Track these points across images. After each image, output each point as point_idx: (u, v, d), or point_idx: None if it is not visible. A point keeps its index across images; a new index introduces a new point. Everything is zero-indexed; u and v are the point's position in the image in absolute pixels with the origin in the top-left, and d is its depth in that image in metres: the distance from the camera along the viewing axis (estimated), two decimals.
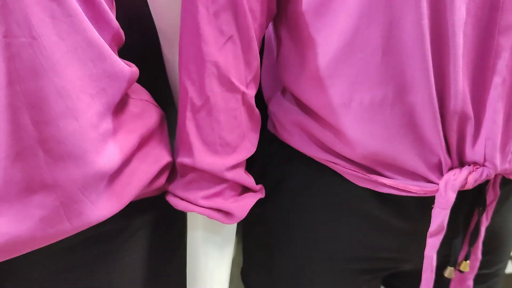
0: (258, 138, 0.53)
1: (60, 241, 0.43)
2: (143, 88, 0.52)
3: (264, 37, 0.59)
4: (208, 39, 0.45)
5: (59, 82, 0.37)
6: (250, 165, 0.59)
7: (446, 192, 0.49)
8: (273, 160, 0.59)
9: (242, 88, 0.48)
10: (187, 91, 0.48)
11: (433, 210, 0.50)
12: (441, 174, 0.50)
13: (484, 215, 0.54)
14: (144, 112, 0.49)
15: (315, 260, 0.58)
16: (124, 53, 0.50)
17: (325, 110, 0.49)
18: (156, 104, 0.53)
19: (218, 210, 0.50)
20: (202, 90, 0.47)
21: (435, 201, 0.50)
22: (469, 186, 0.49)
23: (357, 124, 0.48)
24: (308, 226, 0.57)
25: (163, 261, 0.54)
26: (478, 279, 0.59)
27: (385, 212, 0.53)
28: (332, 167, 0.53)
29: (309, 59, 0.49)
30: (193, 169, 0.49)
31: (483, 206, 0.53)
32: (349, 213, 0.55)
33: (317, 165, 0.54)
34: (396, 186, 0.50)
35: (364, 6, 0.43)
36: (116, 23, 0.44)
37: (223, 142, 0.48)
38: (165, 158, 0.50)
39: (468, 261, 0.57)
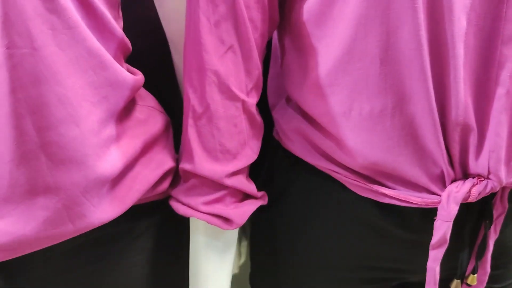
0: (260, 145, 0.53)
1: (65, 241, 0.45)
2: (150, 95, 0.54)
3: (271, 45, 0.59)
4: (209, 48, 0.46)
5: (60, 90, 0.39)
6: (257, 171, 0.60)
7: (448, 204, 0.48)
8: (278, 167, 0.60)
9: (242, 96, 0.49)
10: (189, 98, 0.49)
11: (435, 222, 0.49)
12: (443, 185, 0.49)
13: (492, 228, 0.53)
14: (149, 118, 0.51)
15: (319, 268, 0.58)
16: (136, 59, 0.52)
17: (326, 119, 0.49)
18: (162, 110, 0.54)
19: (218, 216, 0.51)
20: (203, 98, 0.48)
21: (437, 213, 0.49)
22: (473, 199, 0.48)
23: (357, 134, 0.48)
24: (312, 234, 0.57)
25: (167, 264, 0.56)
26: None
27: (388, 222, 0.53)
28: (333, 176, 0.53)
29: (310, 68, 0.49)
30: (194, 175, 0.50)
31: (489, 219, 0.52)
32: (352, 222, 0.55)
33: (319, 173, 0.54)
34: (397, 197, 0.50)
35: (361, 16, 0.43)
36: (120, 33, 0.46)
37: (223, 149, 0.49)
38: (168, 164, 0.51)
39: (475, 275, 0.55)
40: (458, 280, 0.56)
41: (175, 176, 0.53)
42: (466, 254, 0.54)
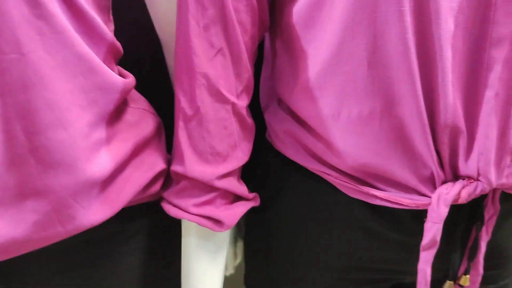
0: (252, 147, 0.54)
1: (56, 243, 0.46)
2: (142, 97, 0.54)
3: (263, 48, 0.60)
4: (198, 51, 0.47)
5: (47, 94, 0.39)
6: (251, 173, 0.60)
7: (438, 206, 0.48)
8: (271, 169, 0.60)
9: (232, 98, 0.49)
10: (180, 101, 0.49)
11: (425, 224, 0.49)
12: (434, 187, 0.49)
13: (484, 230, 0.53)
14: (141, 120, 0.51)
15: (312, 269, 0.59)
16: (130, 62, 0.53)
17: (316, 121, 0.49)
18: (154, 112, 0.54)
19: (209, 218, 0.51)
20: (193, 100, 0.48)
21: (427, 215, 0.49)
22: (463, 200, 0.48)
23: (346, 136, 0.48)
24: (305, 235, 0.57)
25: (159, 265, 0.56)
26: None
27: (380, 224, 0.53)
28: (325, 178, 0.53)
29: (300, 71, 0.49)
30: (184, 177, 0.50)
31: (480, 220, 0.52)
32: (344, 224, 0.55)
33: (311, 175, 0.54)
34: (387, 199, 0.50)
35: (348, 19, 0.43)
36: (110, 36, 0.46)
37: (213, 151, 0.49)
38: (160, 166, 0.52)
39: (468, 276, 0.55)
40: (450, 282, 0.56)
41: (167, 178, 0.54)
42: (458, 255, 0.54)
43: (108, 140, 0.46)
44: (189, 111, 0.49)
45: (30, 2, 0.37)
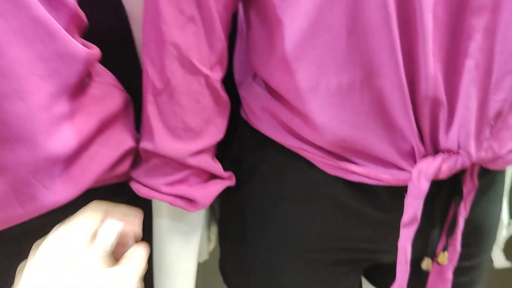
0: (227, 123, 0.51)
1: (16, 226, 0.42)
2: (108, 71, 0.51)
3: (237, 20, 0.57)
4: (168, 19, 0.44)
5: (2, 62, 0.36)
6: (226, 150, 0.58)
7: (419, 180, 0.47)
8: (246, 147, 0.58)
9: (205, 70, 0.46)
10: (148, 73, 0.46)
11: (405, 200, 0.48)
12: (414, 161, 0.48)
13: (462, 206, 0.52)
14: (107, 95, 0.48)
15: (289, 250, 0.57)
16: (97, 37, 0.49)
17: (293, 95, 0.47)
18: (121, 87, 0.51)
19: (181, 197, 0.48)
20: (162, 72, 0.45)
21: (408, 190, 0.48)
22: (443, 175, 0.47)
23: (324, 110, 0.46)
24: (281, 215, 0.56)
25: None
26: (458, 272, 0.57)
27: (358, 201, 0.52)
28: (302, 154, 0.51)
29: (276, 42, 0.47)
30: (155, 154, 0.48)
31: (459, 196, 0.51)
32: (321, 202, 0.53)
33: (288, 152, 0.52)
34: (366, 175, 0.48)
35: None
36: (72, 3, 0.42)
37: (186, 126, 0.47)
38: (128, 143, 0.49)
39: (446, 253, 0.55)
40: (429, 259, 0.55)
41: (136, 157, 0.51)
42: (437, 232, 0.54)
43: (71, 114, 0.43)
44: (158, 84, 0.46)
45: None
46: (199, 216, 0.53)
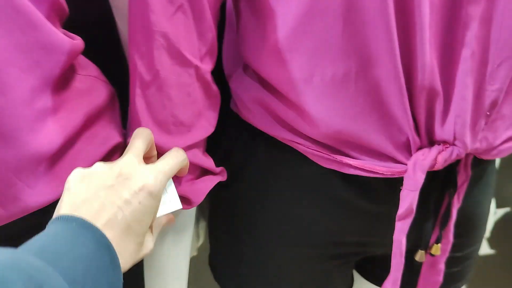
0: (217, 117, 0.50)
1: None
2: (92, 64, 0.49)
3: (225, 10, 0.55)
4: (156, 8, 0.41)
5: None
6: (216, 146, 0.56)
7: (414, 172, 0.46)
8: (237, 141, 0.56)
9: (195, 61, 0.44)
10: (136, 65, 0.44)
11: (401, 192, 0.48)
12: (409, 154, 0.47)
13: (456, 197, 0.52)
14: (92, 89, 0.46)
15: (281, 245, 0.56)
16: (79, 30, 0.47)
17: (286, 86, 0.46)
18: (106, 80, 0.49)
19: None
20: (151, 64, 0.43)
21: (404, 182, 0.47)
22: (439, 166, 0.47)
23: (319, 101, 0.45)
24: (273, 210, 0.54)
25: None
26: (450, 262, 0.57)
27: (353, 194, 0.51)
28: (295, 148, 0.50)
29: (269, 31, 0.45)
30: None
31: (454, 187, 0.51)
32: (315, 196, 0.52)
33: (280, 146, 0.51)
34: (362, 167, 0.47)
35: None
36: None
37: (176, 120, 0.45)
38: (115, 139, 0.46)
39: (439, 244, 0.55)
40: (422, 251, 0.55)
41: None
42: (431, 224, 0.53)
43: (55, 109, 0.40)
44: (147, 76, 0.44)
45: None
46: (191, 214, 0.51)
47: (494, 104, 0.45)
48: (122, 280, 0.34)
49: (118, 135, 0.47)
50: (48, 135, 0.39)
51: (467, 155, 0.49)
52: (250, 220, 0.56)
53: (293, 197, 0.53)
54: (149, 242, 0.40)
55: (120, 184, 0.37)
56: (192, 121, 0.46)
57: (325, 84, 0.44)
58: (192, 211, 0.52)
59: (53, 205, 0.41)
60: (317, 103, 0.45)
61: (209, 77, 0.46)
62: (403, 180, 0.48)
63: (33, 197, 0.39)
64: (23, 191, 0.39)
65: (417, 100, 0.44)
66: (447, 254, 0.56)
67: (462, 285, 0.65)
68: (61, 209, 0.35)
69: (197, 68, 0.44)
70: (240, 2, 0.49)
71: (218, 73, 0.54)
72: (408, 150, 0.47)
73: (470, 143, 0.46)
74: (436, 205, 0.53)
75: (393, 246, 0.50)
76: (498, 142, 0.49)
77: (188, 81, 0.44)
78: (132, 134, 0.47)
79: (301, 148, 0.49)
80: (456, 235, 0.55)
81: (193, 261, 0.73)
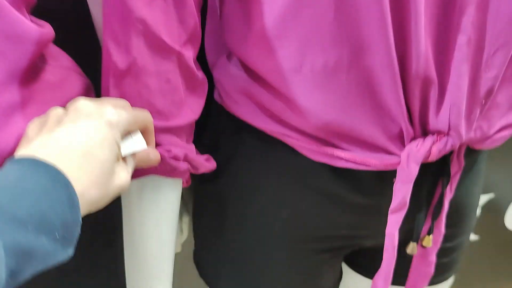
0: (203, 104, 0.47)
1: None
2: (65, 53, 0.45)
3: None
4: None
5: None
6: (198, 138, 0.53)
7: (408, 164, 0.45)
8: (221, 134, 0.54)
9: (177, 47, 0.41)
10: (111, 54, 0.41)
11: (394, 185, 0.46)
12: (402, 145, 0.45)
13: (448, 188, 0.51)
14: (65, 81, 0.42)
15: (269, 241, 0.54)
16: (51, 17, 0.43)
17: (274, 76, 0.43)
18: (80, 72, 0.45)
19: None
20: (128, 52, 0.40)
21: (397, 174, 0.46)
22: (433, 157, 0.45)
23: (309, 92, 0.43)
24: (260, 204, 0.52)
25: (101, 243, 0.49)
26: (441, 253, 0.56)
27: (343, 188, 0.49)
28: (284, 140, 0.48)
29: (255, 17, 0.42)
30: None
31: (447, 178, 0.49)
32: (304, 190, 0.50)
33: (268, 138, 0.49)
34: (353, 160, 0.45)
35: None
36: None
37: (153, 109, 0.42)
38: None
39: (431, 236, 0.53)
40: (414, 243, 0.53)
41: None
42: (423, 215, 0.52)
43: (23, 104, 0.37)
44: (122, 65, 0.41)
45: None
46: (172, 203, 0.49)
47: (489, 93, 0.44)
48: (80, 222, 0.30)
49: None
50: (17, 133, 0.36)
51: (460, 145, 0.48)
52: (237, 214, 0.54)
53: (282, 191, 0.51)
54: (123, 173, 0.36)
55: (75, 115, 0.34)
56: (170, 109, 0.43)
57: (316, 74, 0.42)
58: (175, 201, 0.49)
59: None
60: (307, 94, 0.43)
61: (192, 63, 0.44)
62: (395, 172, 0.46)
63: None
64: None
65: (411, 89, 0.42)
66: (438, 246, 0.55)
67: (450, 275, 0.64)
68: (15, 153, 0.32)
69: (179, 54, 0.42)
70: None
71: (201, 62, 0.51)
72: (401, 141, 0.45)
73: (465, 133, 0.45)
74: (428, 196, 0.52)
75: (385, 240, 0.49)
76: (492, 131, 0.48)
77: (169, 67, 0.41)
78: None
79: (290, 141, 0.47)
80: (447, 226, 0.54)
81: (177, 257, 0.71)
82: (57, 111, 0.35)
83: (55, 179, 0.29)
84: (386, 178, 0.47)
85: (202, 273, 0.63)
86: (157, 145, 0.44)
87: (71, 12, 0.54)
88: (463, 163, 0.50)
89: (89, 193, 0.32)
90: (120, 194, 0.38)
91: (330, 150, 0.46)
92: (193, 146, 0.48)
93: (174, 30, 0.41)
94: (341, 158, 0.46)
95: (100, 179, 0.33)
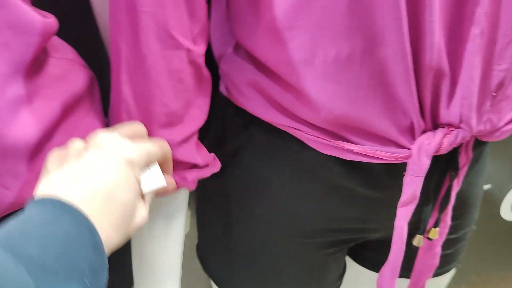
0: (209, 102, 0.46)
1: None
2: (68, 45, 0.44)
3: None
4: None
5: None
6: (204, 133, 0.52)
7: (419, 157, 0.44)
8: (228, 128, 0.53)
9: (187, 44, 0.40)
10: (120, 49, 0.40)
11: (404, 178, 0.45)
12: (413, 138, 0.45)
13: (455, 180, 0.51)
14: (69, 74, 0.41)
15: (276, 235, 0.53)
16: (52, 5, 0.41)
17: (284, 68, 0.43)
18: (84, 64, 0.44)
19: None
20: (137, 49, 0.39)
21: (407, 168, 0.45)
22: (444, 150, 0.45)
23: (320, 84, 0.42)
24: (268, 199, 0.52)
25: None
26: (445, 245, 0.56)
27: (352, 181, 0.49)
28: (293, 134, 0.47)
29: (265, 7, 0.41)
30: None
31: (455, 170, 0.49)
32: (313, 183, 0.50)
33: (277, 132, 0.48)
34: (364, 153, 0.45)
35: None
36: None
37: (167, 110, 0.41)
38: (97, 129, 0.42)
39: (437, 228, 0.53)
40: (420, 236, 0.53)
41: None
42: (430, 208, 0.52)
43: (28, 98, 0.36)
44: (133, 61, 0.39)
45: None
46: (181, 201, 0.48)
47: (501, 85, 0.43)
48: (107, 265, 0.30)
49: (99, 124, 0.43)
50: (23, 127, 0.35)
51: (470, 137, 0.48)
52: (244, 209, 0.53)
53: (290, 185, 0.50)
54: (142, 210, 0.36)
55: (97, 155, 0.33)
56: (184, 110, 0.42)
57: (327, 66, 0.41)
58: (183, 198, 0.48)
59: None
60: (318, 86, 0.42)
61: (201, 60, 0.42)
62: (405, 165, 0.46)
63: (9, 198, 0.35)
64: None
65: (423, 82, 0.42)
66: (444, 237, 0.55)
67: (453, 267, 0.65)
68: (37, 191, 0.31)
69: (189, 51, 0.40)
70: None
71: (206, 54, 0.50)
72: (411, 134, 0.45)
73: (475, 125, 0.44)
74: (435, 189, 0.51)
75: (394, 233, 0.48)
76: (502, 123, 0.47)
77: (180, 66, 0.40)
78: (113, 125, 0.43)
79: (299, 134, 0.46)
80: (452, 218, 0.54)
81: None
82: (77, 145, 0.35)
83: (79, 223, 0.29)
84: (395, 171, 0.47)
85: (207, 268, 0.62)
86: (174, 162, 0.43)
87: (72, 2, 0.52)
88: (471, 155, 0.50)
89: (111, 239, 0.31)
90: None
91: (341, 143, 0.45)
92: (202, 148, 0.47)
93: (185, 24, 0.39)
94: (351, 152, 0.45)
95: (121, 223, 0.32)
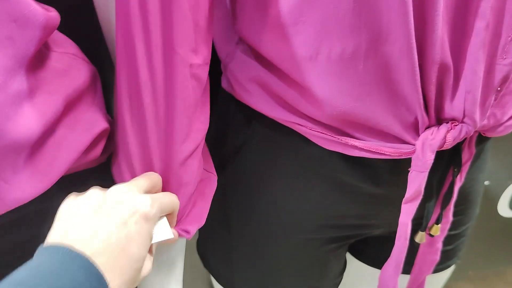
0: (209, 111, 0.45)
1: None
2: (69, 40, 0.43)
3: None
4: None
5: None
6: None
7: (423, 153, 0.44)
8: (230, 124, 0.52)
9: (190, 57, 0.39)
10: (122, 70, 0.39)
11: (409, 174, 0.45)
12: (417, 134, 0.45)
13: (458, 176, 0.50)
14: (71, 68, 0.41)
15: (278, 231, 0.53)
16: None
17: (289, 64, 0.42)
18: (86, 59, 0.44)
19: None
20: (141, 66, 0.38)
21: (412, 163, 0.45)
22: (448, 145, 0.45)
23: (325, 80, 0.41)
24: (271, 195, 0.51)
25: None
26: (446, 241, 0.56)
27: (356, 177, 0.48)
28: (297, 130, 0.47)
29: (269, 3, 0.41)
30: None
31: (458, 166, 0.49)
32: (316, 179, 0.49)
33: (280, 128, 0.48)
34: (368, 149, 0.45)
35: None
36: None
37: (169, 130, 0.41)
38: (100, 125, 0.42)
39: (439, 225, 0.53)
40: (423, 232, 0.53)
41: (108, 139, 0.44)
42: (432, 204, 0.52)
43: (31, 92, 0.35)
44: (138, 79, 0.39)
45: None
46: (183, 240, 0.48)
47: (505, 79, 0.43)
48: None
49: (103, 120, 0.42)
50: (25, 122, 0.34)
51: (473, 132, 0.48)
52: (246, 205, 0.53)
53: (293, 181, 0.50)
54: (148, 263, 0.38)
55: (114, 208, 0.34)
56: (188, 127, 0.42)
57: (332, 62, 0.41)
58: (182, 244, 0.49)
59: (34, 199, 0.37)
60: (323, 83, 0.42)
61: (201, 70, 0.41)
62: (407, 161, 0.45)
63: (11, 193, 0.35)
64: (0, 187, 0.34)
65: (427, 76, 0.41)
66: (445, 233, 0.55)
67: (454, 263, 0.65)
68: (50, 237, 0.32)
69: (191, 66, 0.39)
70: None
71: None
72: (415, 129, 0.45)
73: (479, 120, 0.44)
74: (437, 185, 0.51)
75: (398, 229, 0.48)
76: (505, 118, 0.47)
77: (183, 85, 0.39)
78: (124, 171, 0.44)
79: (303, 130, 0.46)
80: (454, 214, 0.54)
81: None
82: (96, 196, 0.36)
83: (89, 272, 0.30)
84: (399, 167, 0.47)
85: (208, 264, 0.62)
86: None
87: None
88: (474, 151, 0.50)
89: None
90: None
91: (345, 139, 0.45)
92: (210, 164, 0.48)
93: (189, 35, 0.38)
94: (355, 147, 0.45)
95: (130, 277, 0.33)
